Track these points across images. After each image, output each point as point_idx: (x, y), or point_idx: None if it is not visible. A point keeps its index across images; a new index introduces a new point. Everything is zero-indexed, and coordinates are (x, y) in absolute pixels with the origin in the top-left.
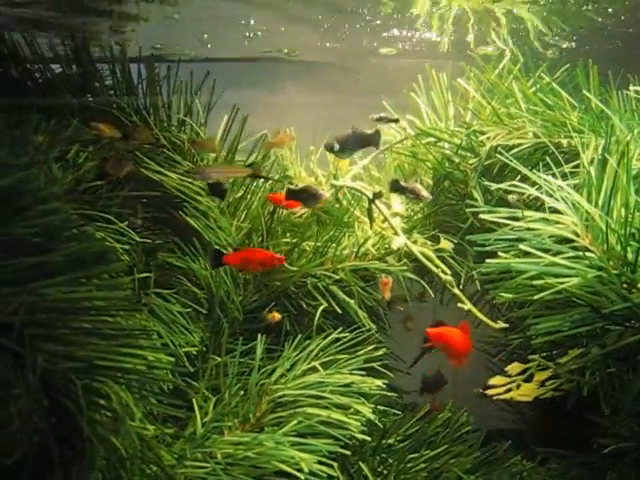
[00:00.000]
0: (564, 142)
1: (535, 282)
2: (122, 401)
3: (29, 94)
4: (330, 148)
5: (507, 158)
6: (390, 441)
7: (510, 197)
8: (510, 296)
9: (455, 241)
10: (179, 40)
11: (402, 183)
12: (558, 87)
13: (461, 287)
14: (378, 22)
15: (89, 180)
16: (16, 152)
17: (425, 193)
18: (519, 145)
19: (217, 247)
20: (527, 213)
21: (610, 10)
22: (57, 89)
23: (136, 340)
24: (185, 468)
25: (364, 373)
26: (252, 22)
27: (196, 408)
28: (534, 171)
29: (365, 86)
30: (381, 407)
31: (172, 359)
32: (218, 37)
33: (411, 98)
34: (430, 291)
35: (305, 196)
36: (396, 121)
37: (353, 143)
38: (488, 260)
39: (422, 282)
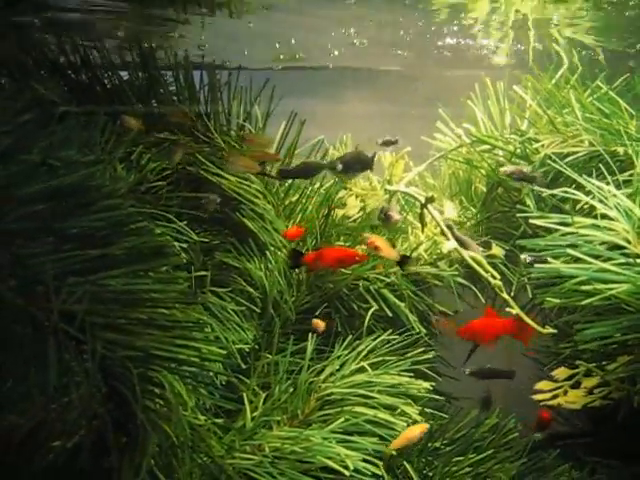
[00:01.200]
0: (620, 150)
1: (584, 287)
2: (175, 391)
3: (98, 99)
4: (333, 168)
5: (560, 165)
6: (437, 444)
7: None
8: (558, 301)
9: (507, 248)
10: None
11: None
12: (615, 95)
13: (512, 294)
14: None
15: (151, 180)
16: (83, 151)
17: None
18: (574, 153)
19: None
20: (578, 219)
21: None
22: (124, 94)
23: (190, 332)
24: (234, 459)
25: (412, 375)
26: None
27: (246, 402)
28: (585, 177)
29: (424, 95)
30: (428, 410)
31: (224, 352)
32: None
33: (468, 107)
34: (481, 296)
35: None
36: (395, 142)
37: (355, 164)
38: (537, 265)
39: (474, 288)
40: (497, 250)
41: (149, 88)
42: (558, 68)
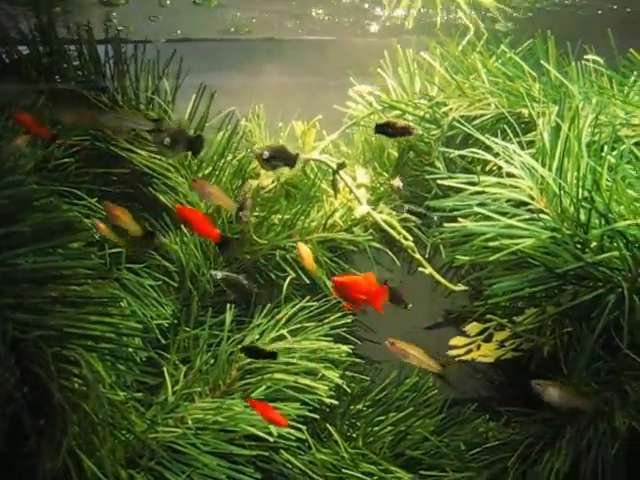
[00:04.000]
0: (525, 112)
1: (491, 244)
2: (92, 368)
3: None
4: (259, 155)
5: (465, 127)
6: (359, 406)
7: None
8: (467, 258)
9: (420, 210)
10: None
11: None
12: (519, 59)
13: (426, 255)
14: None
15: (58, 157)
16: None
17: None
18: (481, 116)
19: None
20: (484, 178)
21: None
22: (25, 70)
23: (105, 308)
24: (157, 433)
25: (332, 340)
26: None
27: (167, 376)
28: (491, 138)
29: (335, 64)
30: (349, 373)
31: (141, 327)
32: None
33: (379, 74)
34: (396, 260)
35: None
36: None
37: (279, 158)
38: (447, 224)
39: (389, 252)
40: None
41: (51, 63)
42: (464, 34)
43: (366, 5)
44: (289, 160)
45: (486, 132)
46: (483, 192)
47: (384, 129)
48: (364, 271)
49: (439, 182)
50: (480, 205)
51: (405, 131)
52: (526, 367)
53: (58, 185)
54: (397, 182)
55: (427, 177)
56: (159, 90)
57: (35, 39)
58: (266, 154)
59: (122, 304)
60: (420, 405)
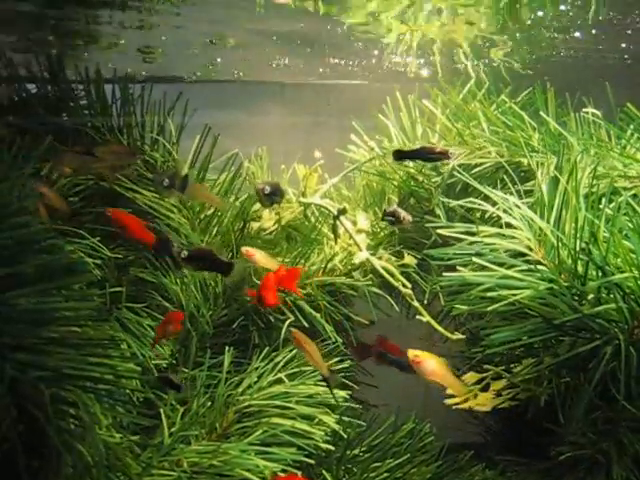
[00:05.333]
0: (524, 161)
1: (489, 294)
2: (90, 410)
3: (4, 112)
4: (261, 190)
5: (464, 176)
6: (355, 452)
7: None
8: (465, 308)
9: (419, 257)
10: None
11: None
12: (518, 109)
13: (425, 302)
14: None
15: (63, 196)
16: None
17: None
18: (481, 164)
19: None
20: (483, 228)
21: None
22: (33, 108)
23: (104, 350)
24: (152, 476)
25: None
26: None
27: (163, 418)
28: (489, 189)
29: (337, 107)
30: (346, 418)
31: (139, 369)
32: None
33: (380, 119)
34: (395, 305)
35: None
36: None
37: (278, 194)
38: (445, 274)
39: (388, 297)
40: (409, 259)
41: (58, 101)
42: (466, 82)
43: (375, 51)
44: (281, 197)
45: (486, 180)
46: (481, 242)
47: (417, 153)
48: (363, 315)
49: (438, 231)
50: (478, 255)
51: (443, 156)
52: (522, 415)
53: (61, 224)
54: (405, 214)
55: (427, 225)
56: (164, 130)
57: (44, 78)
58: (267, 189)
59: (122, 345)
60: (417, 452)
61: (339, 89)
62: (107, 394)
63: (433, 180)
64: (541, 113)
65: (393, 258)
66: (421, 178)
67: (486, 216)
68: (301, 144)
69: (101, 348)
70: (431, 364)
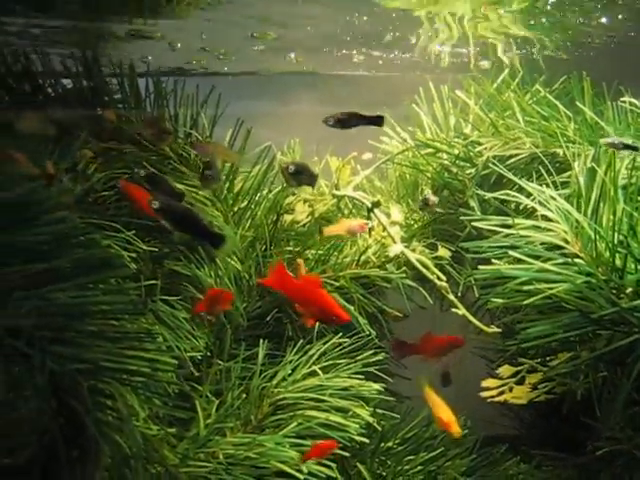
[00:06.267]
0: (560, 152)
1: (525, 287)
2: (127, 402)
3: (41, 108)
4: (285, 169)
5: (499, 168)
6: (389, 444)
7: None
8: (501, 301)
9: (453, 249)
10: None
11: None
12: (554, 99)
13: (459, 294)
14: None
15: (98, 190)
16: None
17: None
18: (516, 155)
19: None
20: (519, 221)
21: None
22: (68, 103)
23: (141, 343)
24: (188, 467)
25: (363, 377)
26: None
27: (199, 410)
28: (524, 180)
29: (369, 99)
30: (380, 411)
31: (175, 362)
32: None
33: (413, 110)
34: (429, 298)
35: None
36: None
37: (303, 174)
38: (481, 267)
39: (422, 290)
40: (443, 251)
41: (93, 95)
42: (499, 72)
43: (405, 42)
44: (312, 178)
45: (520, 172)
46: (516, 234)
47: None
48: (396, 307)
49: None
50: (513, 248)
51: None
52: (558, 408)
53: (96, 218)
54: (432, 197)
55: (461, 217)
56: (197, 123)
57: (79, 73)
58: (292, 168)
59: (158, 338)
60: (451, 444)
61: (372, 80)
62: (143, 386)
63: (467, 172)
64: (577, 102)
65: (427, 250)
66: (455, 170)
67: (520, 208)
68: (334, 136)
69: (137, 341)
70: None
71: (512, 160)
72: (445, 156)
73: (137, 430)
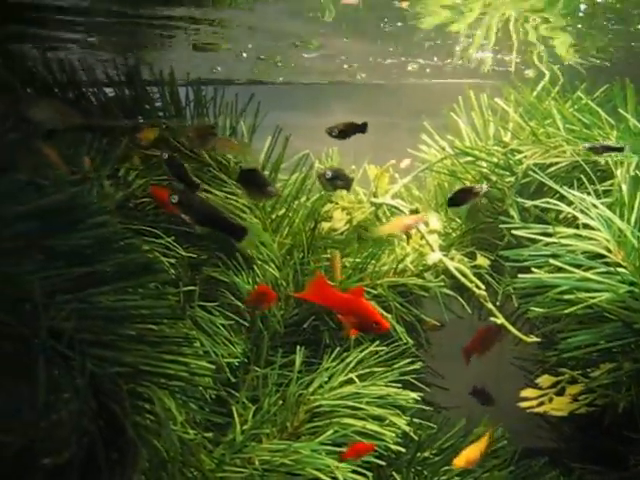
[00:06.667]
0: (601, 160)
1: (566, 296)
2: (165, 406)
3: (84, 116)
4: (322, 175)
5: (539, 175)
6: (426, 454)
7: None
8: (541, 310)
9: (492, 258)
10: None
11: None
12: (595, 106)
13: (498, 303)
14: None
15: (139, 197)
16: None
17: None
18: (557, 163)
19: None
20: (559, 229)
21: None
22: (110, 111)
23: (179, 348)
24: (224, 473)
25: (400, 386)
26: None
27: (235, 416)
28: (565, 188)
29: (408, 106)
30: (417, 420)
31: (213, 367)
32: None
33: (452, 118)
34: (467, 307)
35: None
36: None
37: (339, 179)
38: (520, 275)
39: (460, 299)
40: (482, 260)
41: (135, 104)
42: (539, 79)
43: (445, 49)
44: (347, 182)
45: (561, 180)
46: (557, 243)
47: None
48: (434, 317)
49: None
50: (554, 257)
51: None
52: (598, 421)
53: (136, 223)
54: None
55: (501, 226)
56: (236, 131)
57: (121, 81)
58: (329, 174)
59: (195, 344)
60: (488, 456)
61: (410, 88)
62: (181, 391)
63: (507, 180)
64: (619, 110)
65: (465, 259)
66: (494, 178)
67: (561, 217)
68: (372, 144)
69: (176, 346)
70: None
71: (553, 168)
72: (484, 164)
73: (174, 434)
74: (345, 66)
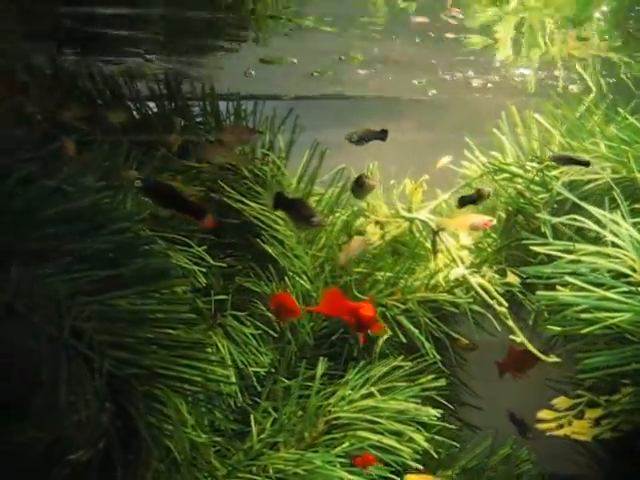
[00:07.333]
0: None
1: (583, 315)
2: (177, 409)
3: (127, 128)
4: (348, 138)
5: (567, 192)
6: (448, 473)
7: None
8: (558, 329)
9: (525, 276)
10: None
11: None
12: (633, 120)
13: (530, 322)
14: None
15: None
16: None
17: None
18: (595, 180)
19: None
20: (582, 246)
21: None
22: (152, 125)
23: (194, 353)
24: (237, 479)
25: (426, 403)
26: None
27: (253, 424)
28: (592, 207)
29: (452, 123)
30: (440, 438)
31: (230, 374)
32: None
33: (495, 135)
34: (497, 324)
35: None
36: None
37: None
38: (539, 292)
39: (490, 316)
40: (512, 278)
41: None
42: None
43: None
44: (380, 136)
45: (598, 198)
46: (580, 261)
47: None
48: (465, 334)
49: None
50: (575, 275)
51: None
52: (632, 445)
53: (171, 232)
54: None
55: (524, 242)
56: (274, 146)
57: (162, 96)
58: (354, 137)
59: (221, 351)
60: (512, 478)
61: (456, 104)
62: (193, 395)
63: (540, 196)
64: None
65: (497, 276)
66: (528, 194)
67: (592, 235)
68: (414, 161)
69: (191, 351)
70: None
71: (591, 185)
72: (520, 181)
73: (186, 437)
74: (415, 82)
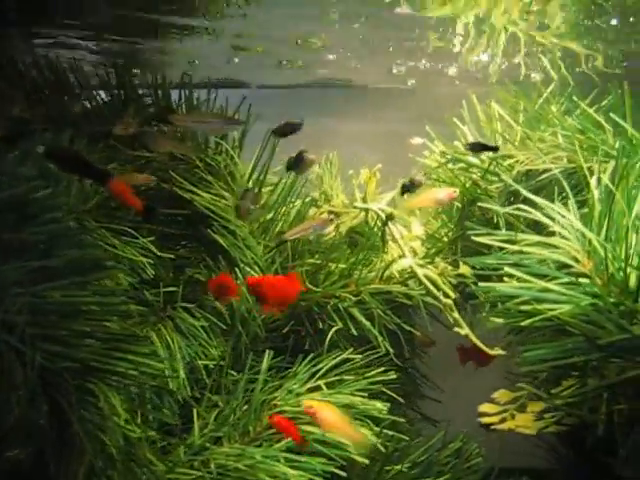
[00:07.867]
0: (596, 167)
1: (523, 307)
2: (110, 402)
3: (74, 118)
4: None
5: (510, 182)
6: (397, 467)
7: None
8: (500, 321)
9: (478, 267)
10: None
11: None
12: (589, 110)
13: (484, 314)
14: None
15: None
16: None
17: None
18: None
19: None
20: (524, 236)
21: None
22: (100, 114)
23: (129, 346)
24: (174, 474)
25: (379, 396)
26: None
27: (195, 417)
28: (535, 197)
29: (413, 112)
30: (390, 432)
31: (163, 367)
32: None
33: (455, 124)
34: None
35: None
36: None
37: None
38: (481, 284)
39: (441, 307)
40: (465, 269)
41: (125, 107)
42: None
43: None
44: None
45: (554, 187)
46: (521, 251)
47: None
48: (418, 327)
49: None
50: (514, 265)
51: None
52: (581, 441)
53: (118, 223)
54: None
55: (468, 232)
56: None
57: (111, 84)
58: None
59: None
60: (462, 472)
61: (417, 93)
62: (125, 388)
63: (496, 186)
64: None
65: (449, 267)
66: (484, 184)
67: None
68: (375, 149)
69: (125, 344)
70: (327, 415)
71: (547, 174)
72: (475, 170)
73: (119, 431)
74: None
